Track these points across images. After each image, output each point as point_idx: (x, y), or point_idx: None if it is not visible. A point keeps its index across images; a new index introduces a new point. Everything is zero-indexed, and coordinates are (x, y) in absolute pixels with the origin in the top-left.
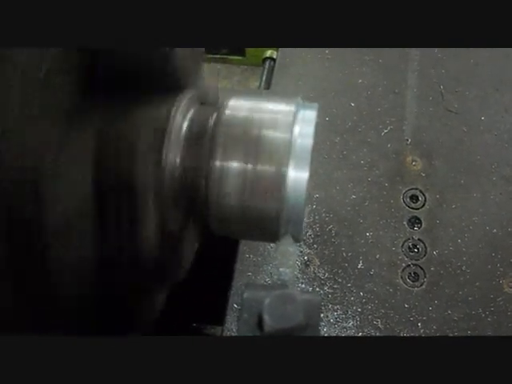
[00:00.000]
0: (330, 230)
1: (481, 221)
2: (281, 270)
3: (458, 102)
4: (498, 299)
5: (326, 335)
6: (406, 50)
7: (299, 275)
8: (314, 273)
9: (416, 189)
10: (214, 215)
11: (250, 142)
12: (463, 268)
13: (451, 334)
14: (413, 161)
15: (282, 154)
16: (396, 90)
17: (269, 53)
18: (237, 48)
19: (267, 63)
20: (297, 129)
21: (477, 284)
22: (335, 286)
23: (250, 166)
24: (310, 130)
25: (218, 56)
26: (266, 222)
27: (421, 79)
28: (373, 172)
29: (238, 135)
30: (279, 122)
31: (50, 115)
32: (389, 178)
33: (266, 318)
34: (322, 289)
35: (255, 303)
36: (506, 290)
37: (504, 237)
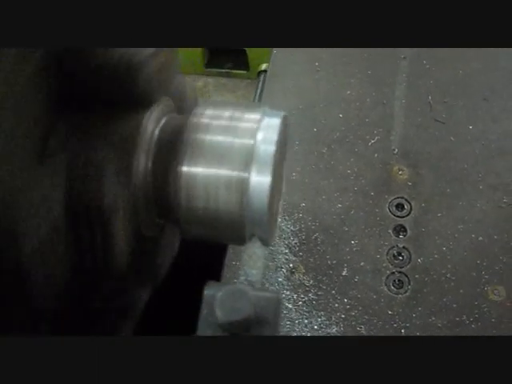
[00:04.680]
0: (316, 238)
1: (466, 229)
2: (248, 271)
3: (446, 113)
4: (483, 306)
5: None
6: (395, 61)
7: (284, 282)
8: (300, 280)
9: (402, 198)
10: (183, 219)
11: (215, 147)
12: (448, 275)
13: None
14: (399, 170)
15: (245, 159)
16: (384, 101)
17: (264, 66)
18: (241, 63)
19: (262, 76)
20: (260, 135)
21: (461, 291)
22: (319, 293)
23: (214, 171)
24: (273, 136)
25: (223, 70)
26: (232, 226)
27: (409, 90)
28: (359, 182)
29: (204, 141)
30: (244, 129)
31: (21, 149)
32: (375, 188)
33: (218, 311)
34: (307, 295)
35: (214, 300)
36: (491, 297)
37: (489, 244)
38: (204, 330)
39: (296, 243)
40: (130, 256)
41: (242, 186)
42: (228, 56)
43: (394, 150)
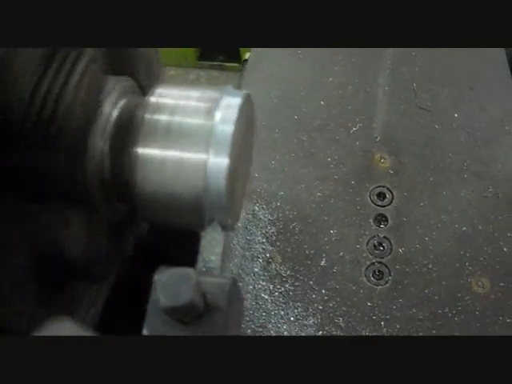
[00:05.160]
0: (294, 228)
1: (450, 218)
2: (206, 257)
3: (430, 100)
4: (466, 298)
5: (287, 334)
6: (380, 48)
7: (261, 272)
8: (276, 270)
9: (383, 186)
10: (140, 203)
11: (172, 128)
12: (430, 266)
13: (415, 334)
14: (381, 158)
15: (202, 140)
16: (367, 89)
17: (248, 55)
18: (233, 55)
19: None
20: (218, 115)
21: (444, 283)
22: (296, 284)
23: (170, 153)
24: (232, 116)
25: (216, 63)
26: (189, 209)
27: (393, 77)
28: (340, 170)
29: (160, 122)
30: (202, 109)
31: None
32: (356, 176)
33: (160, 295)
34: (284, 286)
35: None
36: (475, 288)
37: (474, 235)
38: (152, 316)
39: (273, 232)
40: (86, 242)
41: (199, 167)
42: (221, 49)
43: (376, 137)
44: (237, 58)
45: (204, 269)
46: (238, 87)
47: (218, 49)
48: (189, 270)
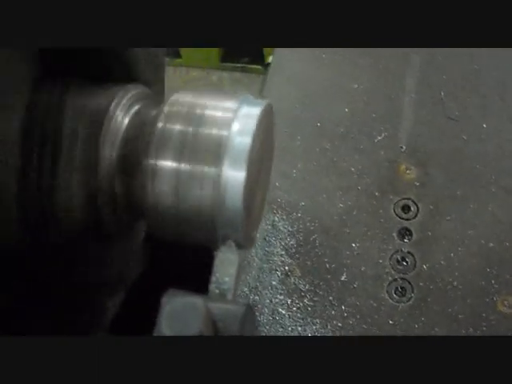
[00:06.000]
0: (314, 240)
1: (476, 234)
2: (220, 278)
3: (458, 109)
4: (491, 318)
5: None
6: (406, 54)
7: (279, 286)
8: (295, 284)
9: (408, 199)
10: (150, 217)
11: (186, 139)
12: (454, 284)
13: None
14: (407, 169)
15: (217, 152)
16: (393, 96)
17: (271, 58)
18: (258, 57)
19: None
20: (236, 126)
21: (468, 301)
22: (315, 299)
23: (183, 166)
24: (250, 127)
25: (239, 65)
26: (202, 226)
27: (420, 85)
28: (363, 180)
29: (174, 132)
30: (218, 119)
31: None
32: (380, 187)
33: (163, 327)
34: (302, 301)
35: (161, 314)
36: (500, 308)
37: (501, 251)
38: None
39: (293, 244)
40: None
41: (214, 181)
42: (244, 50)
43: (401, 147)
44: (260, 60)
45: (217, 291)
46: (261, 91)
47: (240, 49)
48: (196, 300)
